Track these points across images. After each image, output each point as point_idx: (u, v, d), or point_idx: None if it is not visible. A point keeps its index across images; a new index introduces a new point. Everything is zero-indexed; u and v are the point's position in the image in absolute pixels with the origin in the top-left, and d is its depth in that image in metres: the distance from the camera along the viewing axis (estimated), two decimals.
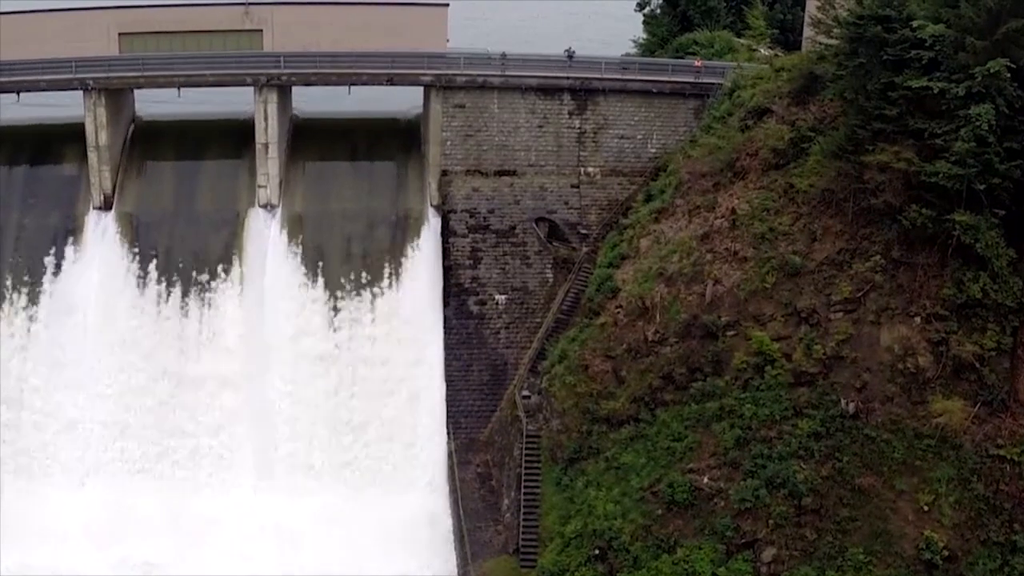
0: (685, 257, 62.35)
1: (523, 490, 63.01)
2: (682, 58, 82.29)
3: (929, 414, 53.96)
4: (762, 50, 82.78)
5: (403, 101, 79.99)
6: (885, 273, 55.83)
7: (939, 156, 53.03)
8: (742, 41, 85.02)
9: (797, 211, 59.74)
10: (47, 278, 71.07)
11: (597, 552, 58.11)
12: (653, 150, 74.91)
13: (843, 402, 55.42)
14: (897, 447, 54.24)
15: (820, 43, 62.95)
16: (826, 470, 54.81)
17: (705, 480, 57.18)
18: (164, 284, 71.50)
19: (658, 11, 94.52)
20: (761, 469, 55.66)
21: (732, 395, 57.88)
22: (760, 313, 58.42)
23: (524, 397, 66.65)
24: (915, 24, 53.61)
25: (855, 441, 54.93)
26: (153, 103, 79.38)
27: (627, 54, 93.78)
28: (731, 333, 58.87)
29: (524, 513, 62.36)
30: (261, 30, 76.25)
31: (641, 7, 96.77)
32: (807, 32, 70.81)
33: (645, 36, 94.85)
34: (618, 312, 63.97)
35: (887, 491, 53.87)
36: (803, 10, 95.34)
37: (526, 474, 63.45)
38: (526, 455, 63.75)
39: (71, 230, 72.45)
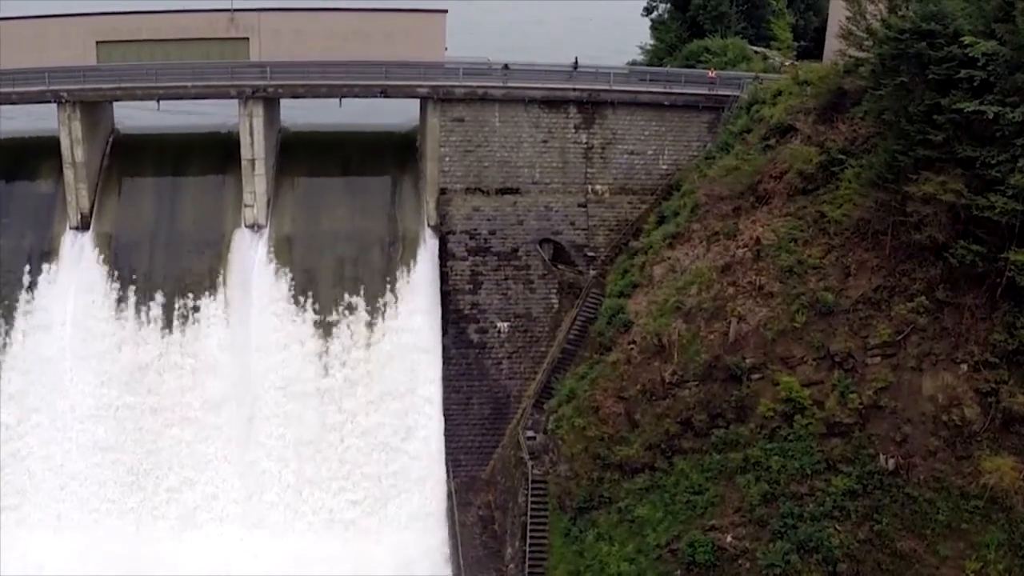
0: (704, 290, 55.32)
1: (528, 540, 56.25)
2: (693, 67, 75.21)
3: (976, 472, 47.45)
4: (776, 58, 75.55)
5: (399, 112, 72.51)
6: (928, 315, 48.97)
7: (992, 188, 46.14)
8: (756, 49, 77.80)
9: (828, 243, 52.83)
10: (21, 303, 64.08)
11: None
12: (665, 167, 67.66)
13: (882, 457, 48.75)
14: (941, 508, 47.72)
15: (851, 56, 55.72)
16: (863, 532, 48.23)
17: (728, 539, 50.42)
18: (144, 310, 64.38)
19: (666, 16, 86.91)
20: (791, 530, 48.94)
21: (758, 445, 51.28)
22: (789, 355, 51.64)
23: (529, 438, 59.61)
24: (965, 41, 46.39)
25: (895, 501, 48.32)
26: (133, 115, 71.99)
27: (633, 61, 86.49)
28: (756, 377, 52.12)
29: (529, 565, 55.82)
30: (247, 38, 68.63)
31: (648, 12, 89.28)
32: (832, 43, 63.38)
33: (653, 42, 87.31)
34: (631, 349, 56.89)
35: (930, 557, 47.43)
36: (816, 15, 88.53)
37: (532, 523, 56.64)
38: (532, 502, 56.87)
39: (46, 251, 65.47)
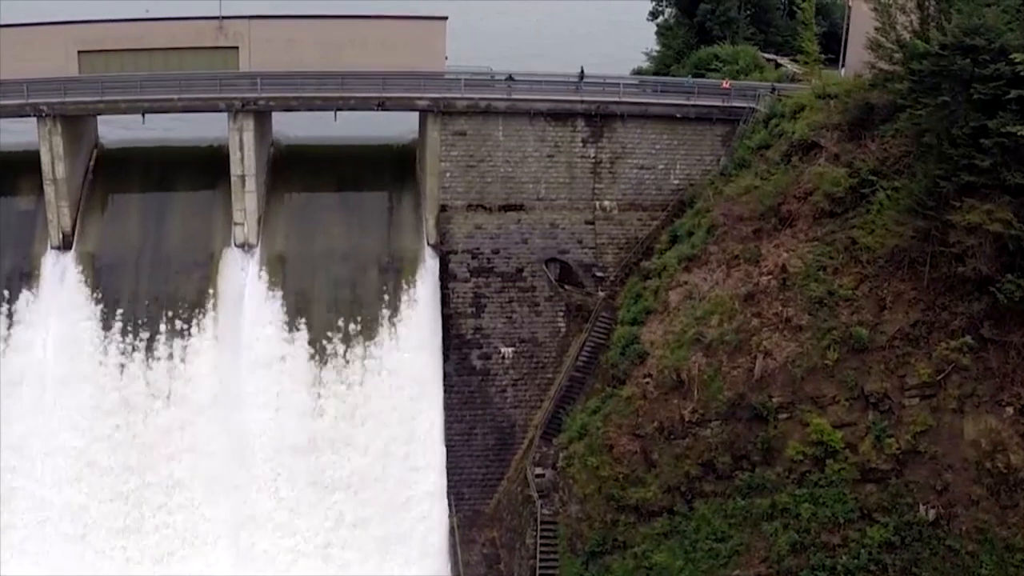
0: (726, 320, 50.66)
1: None
2: (702, 75, 70.42)
3: (1023, 522, 42.83)
4: (788, 66, 70.81)
5: (397, 124, 67.58)
6: (971, 353, 44.43)
7: None
8: (767, 56, 73.04)
9: (861, 272, 48.16)
10: None
11: None
12: (676, 181, 62.95)
13: (921, 506, 44.31)
14: (985, 561, 43.51)
15: (880, 69, 51.00)
16: None
17: None
18: (130, 334, 59.63)
19: (672, 21, 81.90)
20: None
21: (786, 490, 46.89)
22: (819, 395, 47.07)
23: (538, 475, 54.99)
24: (1016, 59, 41.74)
25: (935, 553, 44.06)
26: (118, 127, 66.87)
27: (639, 68, 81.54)
28: (784, 417, 47.60)
29: None
30: (237, 47, 63.77)
31: (654, 16, 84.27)
32: (855, 53, 58.64)
33: (659, 49, 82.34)
34: (647, 383, 52.18)
35: None
36: (825, 19, 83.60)
37: (541, 566, 52.26)
38: (541, 544, 52.47)
39: (26, 272, 60.68)
